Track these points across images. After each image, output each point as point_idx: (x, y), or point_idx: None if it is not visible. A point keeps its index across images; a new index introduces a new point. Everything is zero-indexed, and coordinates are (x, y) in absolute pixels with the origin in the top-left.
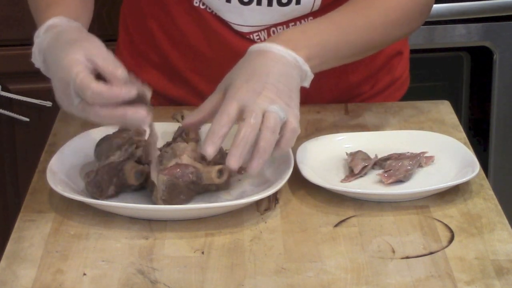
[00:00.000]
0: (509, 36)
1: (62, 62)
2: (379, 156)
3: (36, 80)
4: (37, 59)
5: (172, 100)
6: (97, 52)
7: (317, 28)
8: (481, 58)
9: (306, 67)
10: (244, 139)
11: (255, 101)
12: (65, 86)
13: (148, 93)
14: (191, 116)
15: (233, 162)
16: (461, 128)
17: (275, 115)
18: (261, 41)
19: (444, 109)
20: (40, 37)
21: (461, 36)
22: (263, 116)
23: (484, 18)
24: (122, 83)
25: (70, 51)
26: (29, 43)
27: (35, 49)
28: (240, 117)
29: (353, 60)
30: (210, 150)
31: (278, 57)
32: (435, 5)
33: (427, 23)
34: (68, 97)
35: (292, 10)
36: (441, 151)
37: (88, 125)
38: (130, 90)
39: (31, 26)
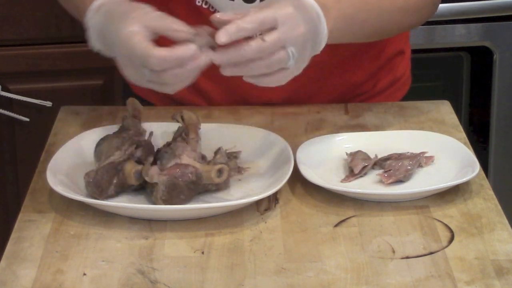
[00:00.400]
0: (509, 36)
1: (120, 39)
2: (379, 156)
3: (36, 80)
4: (96, 43)
5: (173, 99)
6: (149, 17)
7: (349, 1)
8: (481, 58)
9: (324, 42)
10: (250, 48)
11: (289, 33)
12: (131, 61)
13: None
14: (222, 14)
15: (224, 37)
16: (461, 128)
17: (286, 58)
18: None
19: (444, 109)
20: (93, 18)
21: (461, 36)
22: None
23: (484, 18)
24: (185, 37)
25: (122, 25)
26: (29, 43)
27: (92, 33)
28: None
29: (363, 41)
30: (223, 38)
31: (316, 18)
32: None
33: (427, 23)
34: (137, 71)
35: None
36: (441, 151)
37: (88, 125)
38: (190, 47)
39: (31, 26)
